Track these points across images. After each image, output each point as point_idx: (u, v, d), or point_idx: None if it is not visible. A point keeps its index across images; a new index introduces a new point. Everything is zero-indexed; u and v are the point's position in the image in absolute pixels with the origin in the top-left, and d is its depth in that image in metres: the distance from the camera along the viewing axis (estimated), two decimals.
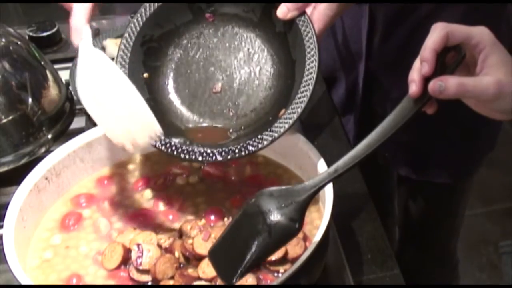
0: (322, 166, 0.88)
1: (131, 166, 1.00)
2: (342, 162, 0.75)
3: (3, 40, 1.08)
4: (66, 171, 0.95)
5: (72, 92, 1.19)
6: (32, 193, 0.90)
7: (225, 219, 0.90)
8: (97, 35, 1.35)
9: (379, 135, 0.76)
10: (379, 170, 1.33)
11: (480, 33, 0.75)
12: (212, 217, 0.90)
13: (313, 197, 0.74)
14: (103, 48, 1.27)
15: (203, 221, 0.89)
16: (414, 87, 0.75)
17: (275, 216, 0.72)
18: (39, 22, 1.38)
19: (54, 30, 1.37)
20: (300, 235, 0.85)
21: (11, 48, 1.09)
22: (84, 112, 1.17)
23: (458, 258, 1.54)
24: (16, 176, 0.94)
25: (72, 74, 1.21)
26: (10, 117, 1.04)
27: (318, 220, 0.86)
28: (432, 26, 0.75)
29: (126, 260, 0.85)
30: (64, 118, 1.13)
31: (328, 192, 0.83)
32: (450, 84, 0.73)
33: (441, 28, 0.75)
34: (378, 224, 1.00)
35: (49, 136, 1.08)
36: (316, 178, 0.76)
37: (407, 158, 1.26)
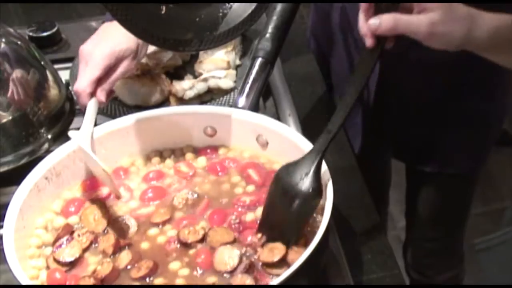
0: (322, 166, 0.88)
1: (132, 168, 1.00)
2: (331, 123, 0.84)
3: (3, 40, 1.08)
4: (66, 171, 0.95)
5: (72, 92, 1.19)
6: (32, 193, 0.89)
7: (229, 218, 0.89)
8: None
9: (354, 90, 0.84)
10: (375, 160, 1.33)
11: None
12: (215, 217, 0.90)
13: (321, 161, 0.83)
14: None
15: (201, 224, 0.89)
16: (369, 40, 0.83)
17: (301, 189, 0.82)
18: (39, 22, 1.38)
19: (54, 30, 1.37)
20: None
21: (11, 48, 1.09)
22: (84, 112, 1.17)
23: (463, 251, 1.55)
24: (16, 176, 0.94)
25: (72, 74, 1.21)
26: (10, 117, 1.04)
27: (319, 220, 0.86)
28: None
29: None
30: (64, 118, 1.13)
31: (328, 192, 0.83)
32: (384, 19, 0.80)
33: None
34: (378, 224, 1.00)
35: (49, 136, 1.09)
36: (316, 145, 0.84)
37: (417, 149, 1.26)
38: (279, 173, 0.85)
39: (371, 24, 0.81)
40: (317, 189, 0.82)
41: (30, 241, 0.88)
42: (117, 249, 0.86)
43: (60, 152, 0.95)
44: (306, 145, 0.92)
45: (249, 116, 0.99)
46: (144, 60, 1.21)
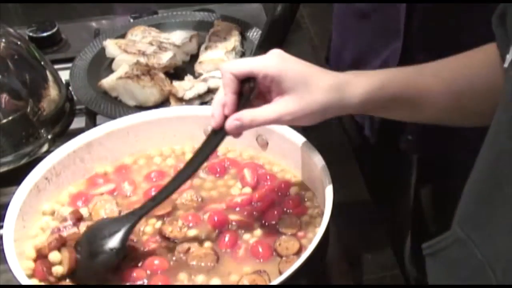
0: (321, 166, 0.88)
1: (134, 167, 1.00)
2: (159, 193, 0.85)
3: (3, 40, 1.08)
4: (66, 171, 0.95)
5: (72, 92, 1.19)
6: (32, 193, 0.89)
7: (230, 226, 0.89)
8: (97, 35, 1.35)
9: (192, 167, 0.84)
10: (397, 158, 1.32)
11: (263, 66, 0.81)
12: (215, 218, 0.89)
13: (135, 224, 0.83)
14: (103, 48, 1.27)
15: (180, 221, 0.89)
16: (213, 123, 0.83)
17: (103, 245, 0.81)
18: (39, 22, 1.38)
19: (54, 30, 1.37)
20: (301, 233, 0.86)
21: (11, 48, 1.09)
22: (84, 112, 1.18)
23: None
24: (16, 176, 0.94)
25: (72, 74, 1.21)
26: (10, 117, 1.04)
27: (319, 220, 0.86)
28: (220, 67, 0.83)
29: None
30: (64, 118, 1.13)
31: (328, 192, 0.83)
32: (244, 120, 0.80)
33: (224, 71, 0.81)
34: (379, 224, 1.00)
35: (49, 136, 1.09)
36: (138, 209, 0.84)
37: (432, 139, 1.25)
38: (97, 222, 0.86)
39: (231, 125, 0.81)
40: (118, 251, 0.81)
41: (37, 224, 0.89)
42: None
43: (60, 152, 0.95)
44: (306, 146, 0.92)
45: None
46: (144, 60, 1.21)
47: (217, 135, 0.83)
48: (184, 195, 0.93)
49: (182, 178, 0.84)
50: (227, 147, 1.01)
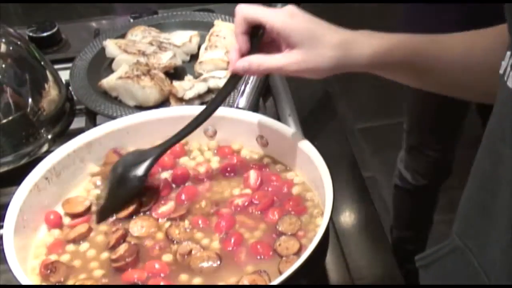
0: (322, 166, 0.88)
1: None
2: (182, 130, 0.92)
3: (3, 40, 1.08)
4: (66, 171, 0.95)
5: (72, 92, 1.19)
6: (32, 193, 0.89)
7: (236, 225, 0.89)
8: (97, 35, 1.36)
9: (212, 107, 0.91)
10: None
11: (270, 18, 0.84)
12: (222, 224, 0.89)
13: (159, 157, 0.92)
14: (103, 48, 1.27)
15: (186, 222, 0.89)
16: (230, 67, 0.88)
17: (129, 172, 0.91)
18: (39, 22, 1.38)
19: (54, 30, 1.37)
20: (301, 233, 0.86)
21: (11, 48, 1.09)
22: (84, 112, 1.18)
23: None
24: (16, 176, 0.94)
25: (72, 74, 1.21)
26: (10, 117, 1.04)
27: (319, 220, 0.86)
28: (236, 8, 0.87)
29: None
30: (64, 118, 1.13)
31: (328, 192, 0.83)
32: (252, 64, 0.85)
33: (237, 12, 0.86)
34: (379, 224, 1.00)
35: (49, 136, 1.09)
36: (163, 143, 0.92)
37: None
38: (127, 154, 0.95)
39: (238, 66, 0.86)
40: (141, 177, 0.91)
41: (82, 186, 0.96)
42: (121, 242, 0.86)
43: (60, 152, 0.95)
44: (306, 145, 0.92)
45: (249, 116, 0.99)
46: (144, 60, 1.21)
47: (234, 78, 0.89)
48: (201, 203, 0.92)
49: (202, 117, 0.91)
50: (241, 144, 1.00)
